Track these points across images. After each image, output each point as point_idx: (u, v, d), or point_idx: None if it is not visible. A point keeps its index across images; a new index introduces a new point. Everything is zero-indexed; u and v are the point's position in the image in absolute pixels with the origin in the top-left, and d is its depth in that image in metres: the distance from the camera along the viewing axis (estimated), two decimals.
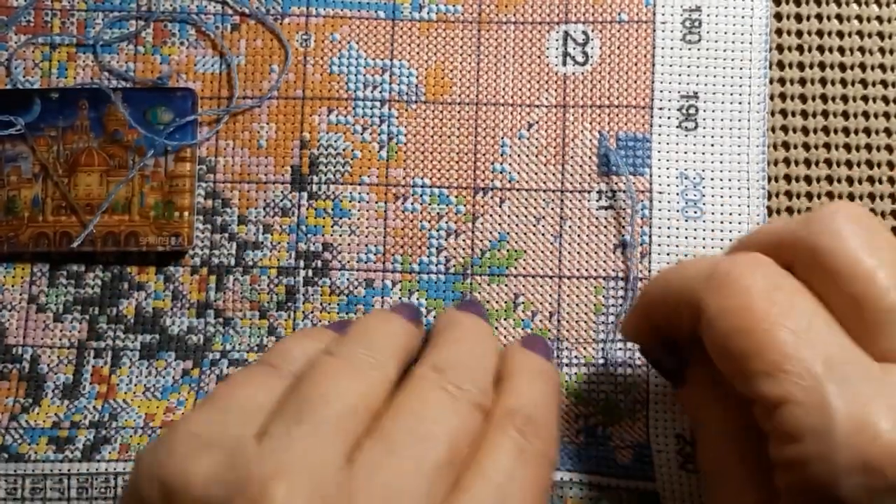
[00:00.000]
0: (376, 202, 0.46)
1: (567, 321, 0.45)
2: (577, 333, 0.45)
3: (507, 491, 0.34)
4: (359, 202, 0.46)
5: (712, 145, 0.45)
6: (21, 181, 0.45)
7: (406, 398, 0.35)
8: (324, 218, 0.46)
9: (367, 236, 0.46)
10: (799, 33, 0.47)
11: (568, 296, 0.45)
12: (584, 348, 0.44)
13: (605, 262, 0.45)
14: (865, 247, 0.33)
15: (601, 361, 0.44)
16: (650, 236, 0.45)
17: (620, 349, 0.44)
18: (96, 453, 0.43)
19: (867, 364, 0.31)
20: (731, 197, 0.45)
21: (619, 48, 0.46)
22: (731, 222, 0.45)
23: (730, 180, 0.45)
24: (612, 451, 0.43)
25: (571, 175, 0.46)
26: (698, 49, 0.46)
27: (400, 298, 0.45)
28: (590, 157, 0.46)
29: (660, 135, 0.45)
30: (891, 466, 0.29)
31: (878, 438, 0.29)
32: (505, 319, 0.45)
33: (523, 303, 0.45)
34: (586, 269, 0.45)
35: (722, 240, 0.45)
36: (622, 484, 0.43)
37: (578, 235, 0.45)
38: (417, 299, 0.45)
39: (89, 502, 0.43)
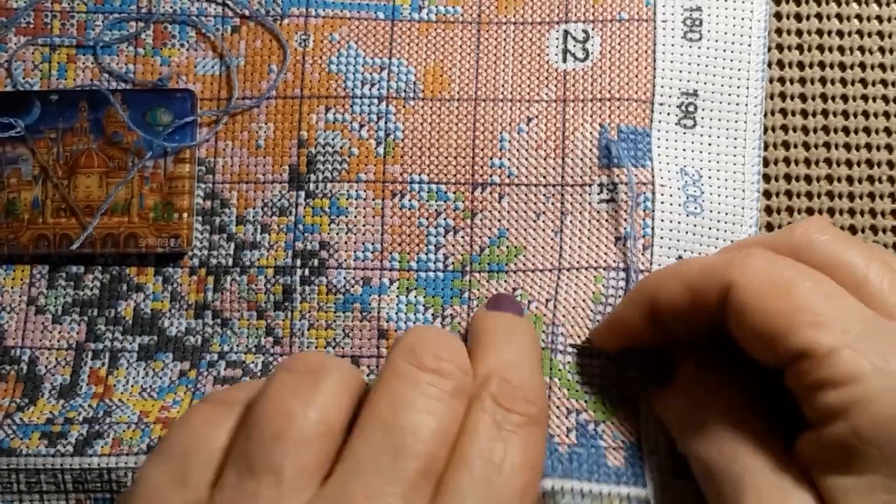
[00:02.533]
0: (373, 199, 0.45)
1: (564, 307, 0.44)
2: (573, 320, 0.44)
3: (493, 482, 0.33)
4: (356, 200, 0.45)
5: (710, 144, 0.45)
6: (21, 183, 0.45)
7: (374, 405, 0.33)
8: (321, 216, 0.45)
9: (364, 234, 0.45)
10: (799, 32, 0.47)
11: (566, 284, 0.44)
12: (580, 336, 0.44)
13: (606, 254, 0.44)
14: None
15: (595, 352, 0.44)
16: (653, 229, 0.44)
17: None
18: (88, 448, 0.43)
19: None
20: (727, 197, 0.45)
21: (619, 45, 0.46)
22: (727, 222, 0.45)
23: (727, 180, 0.45)
24: (604, 453, 0.42)
25: (572, 169, 0.45)
26: (699, 47, 0.46)
27: (398, 297, 0.45)
28: (590, 150, 0.45)
29: (659, 130, 0.45)
30: None
31: None
32: None
33: (521, 295, 0.44)
34: (587, 261, 0.45)
35: (719, 239, 0.44)
36: (614, 490, 0.42)
37: (579, 229, 0.45)
38: (416, 297, 0.45)
39: (86, 494, 0.43)
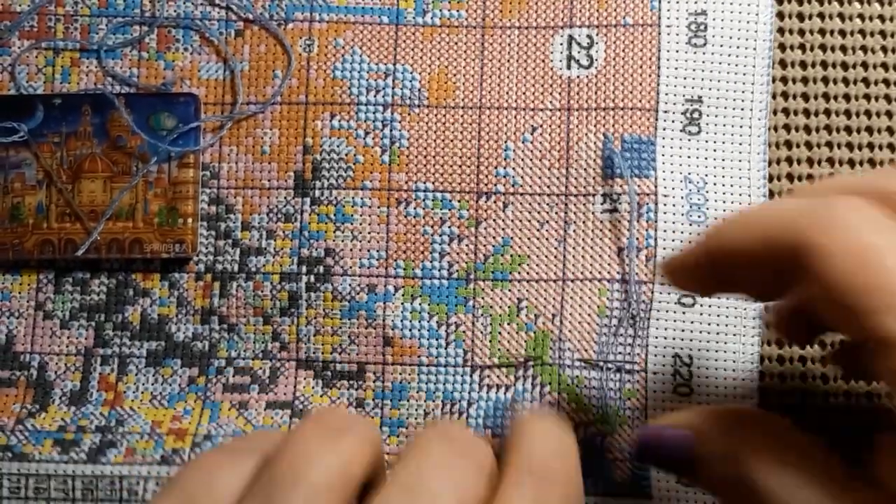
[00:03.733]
0: (378, 207, 0.46)
1: (570, 322, 0.45)
2: (579, 335, 0.45)
3: None
4: (361, 207, 0.46)
5: (715, 150, 0.45)
6: (25, 188, 0.45)
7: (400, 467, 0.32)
8: (326, 223, 0.45)
9: (369, 241, 0.45)
10: (801, 32, 0.47)
11: (571, 298, 0.45)
12: (586, 350, 0.44)
13: (609, 265, 0.45)
14: None
15: (602, 365, 0.44)
16: (655, 239, 0.45)
17: (620, 353, 0.44)
18: (101, 456, 0.43)
19: None
20: (733, 203, 0.45)
21: (623, 52, 0.46)
22: None
23: (732, 185, 0.45)
24: (610, 466, 0.43)
25: (576, 179, 0.45)
26: (703, 53, 0.46)
27: (403, 304, 0.45)
28: (594, 161, 0.45)
29: (664, 138, 0.45)
30: None
31: None
32: (508, 324, 0.45)
33: (526, 307, 0.45)
34: (590, 272, 0.45)
35: None
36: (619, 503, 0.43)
37: (583, 239, 0.45)
38: (420, 304, 0.45)
39: (94, 503, 0.43)
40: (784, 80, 0.47)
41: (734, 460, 0.33)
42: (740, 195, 0.45)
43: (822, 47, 0.47)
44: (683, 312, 0.44)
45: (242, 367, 0.45)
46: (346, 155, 0.46)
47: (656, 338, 0.44)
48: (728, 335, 0.44)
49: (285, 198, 0.46)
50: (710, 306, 0.44)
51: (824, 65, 0.47)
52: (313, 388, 0.45)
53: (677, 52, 0.46)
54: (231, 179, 0.46)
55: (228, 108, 0.46)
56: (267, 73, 0.46)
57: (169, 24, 0.47)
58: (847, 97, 0.47)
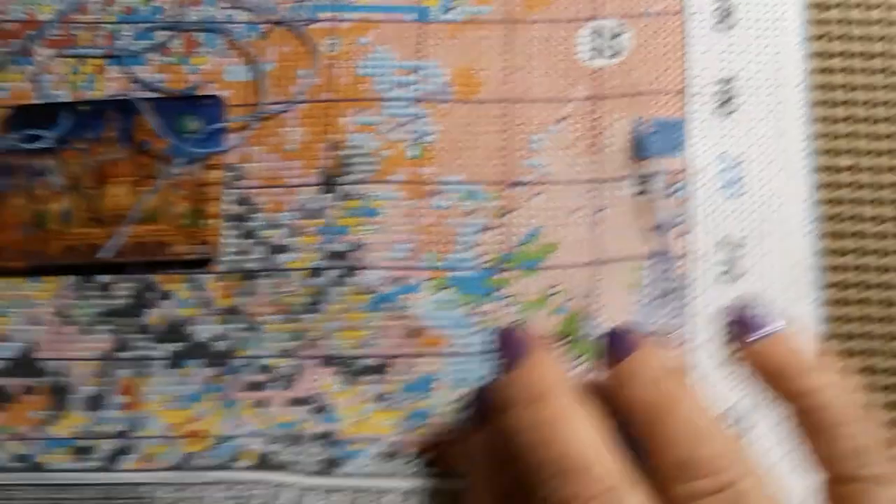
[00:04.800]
0: (406, 200, 0.45)
1: (602, 299, 0.44)
2: (612, 310, 0.44)
3: None
4: (388, 201, 0.45)
5: (750, 128, 0.45)
6: (50, 194, 0.45)
7: None
8: (352, 218, 0.45)
9: (396, 234, 0.45)
10: (840, 22, 0.46)
11: (605, 279, 0.44)
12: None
13: (641, 244, 0.44)
14: None
15: None
16: (689, 215, 0.44)
17: (656, 325, 0.44)
18: (118, 463, 0.42)
19: None
20: (772, 178, 0.44)
21: (649, 40, 0.46)
22: (773, 202, 0.44)
23: (770, 162, 0.44)
24: None
25: (605, 164, 0.45)
26: (732, 35, 0.46)
27: (431, 295, 0.44)
28: (623, 145, 0.45)
29: (694, 118, 0.45)
30: None
31: None
32: (538, 310, 0.44)
33: (558, 293, 0.44)
34: (623, 253, 0.44)
35: (765, 220, 0.44)
36: None
37: (614, 223, 0.44)
38: (449, 295, 0.44)
39: None
40: (824, 71, 0.46)
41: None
42: (780, 171, 0.44)
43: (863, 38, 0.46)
44: (724, 286, 0.44)
45: (264, 365, 0.44)
46: (373, 150, 0.45)
47: (697, 310, 0.44)
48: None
49: (311, 194, 0.45)
50: (753, 282, 0.44)
51: (864, 56, 0.46)
52: (337, 383, 0.44)
53: (704, 38, 0.46)
54: (256, 179, 0.45)
55: (254, 109, 0.46)
56: (292, 72, 0.46)
57: (193, 29, 0.47)
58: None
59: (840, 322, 0.44)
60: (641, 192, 0.45)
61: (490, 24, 0.46)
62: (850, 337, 0.44)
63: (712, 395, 0.42)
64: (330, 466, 0.43)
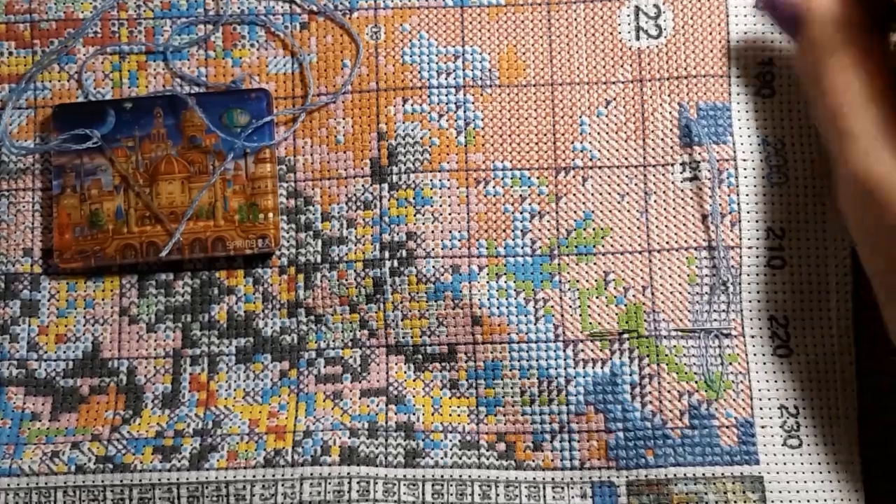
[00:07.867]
0: (458, 188, 0.46)
1: (661, 293, 0.45)
2: (672, 305, 0.45)
3: None
4: (440, 189, 0.46)
5: (789, 111, 0.45)
6: (102, 194, 0.45)
7: None
8: (406, 207, 0.46)
9: (450, 223, 0.46)
10: None
11: (660, 269, 0.45)
12: (681, 320, 0.44)
13: (694, 233, 0.45)
14: None
15: (699, 333, 0.44)
16: (738, 204, 0.45)
17: (716, 320, 0.45)
18: (204, 461, 0.44)
19: None
20: (812, 162, 0.45)
21: (692, 19, 0.46)
22: (815, 186, 0.45)
23: (810, 145, 0.45)
24: (717, 433, 0.43)
25: (653, 149, 0.46)
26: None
27: (488, 283, 0.45)
28: (671, 130, 0.46)
29: (739, 103, 0.45)
30: None
31: None
32: (597, 297, 0.45)
33: (614, 280, 0.45)
34: (676, 242, 0.45)
35: (808, 206, 0.45)
36: (727, 472, 0.43)
37: (665, 209, 0.45)
38: (506, 282, 0.45)
39: None
40: None
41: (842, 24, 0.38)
42: (820, 154, 0.45)
43: None
44: (774, 275, 0.45)
45: (333, 357, 0.45)
46: (422, 138, 0.46)
47: (750, 302, 0.45)
48: (820, 293, 0.44)
49: (363, 185, 0.46)
50: (799, 266, 0.45)
51: None
52: (405, 372, 0.45)
53: (745, 16, 0.46)
54: (308, 171, 0.46)
55: (299, 101, 0.46)
56: (336, 63, 0.46)
57: (234, 22, 0.47)
58: None
59: None
60: (690, 179, 0.45)
61: (530, 6, 0.47)
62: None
63: (765, 386, 0.44)
64: (414, 457, 0.44)
